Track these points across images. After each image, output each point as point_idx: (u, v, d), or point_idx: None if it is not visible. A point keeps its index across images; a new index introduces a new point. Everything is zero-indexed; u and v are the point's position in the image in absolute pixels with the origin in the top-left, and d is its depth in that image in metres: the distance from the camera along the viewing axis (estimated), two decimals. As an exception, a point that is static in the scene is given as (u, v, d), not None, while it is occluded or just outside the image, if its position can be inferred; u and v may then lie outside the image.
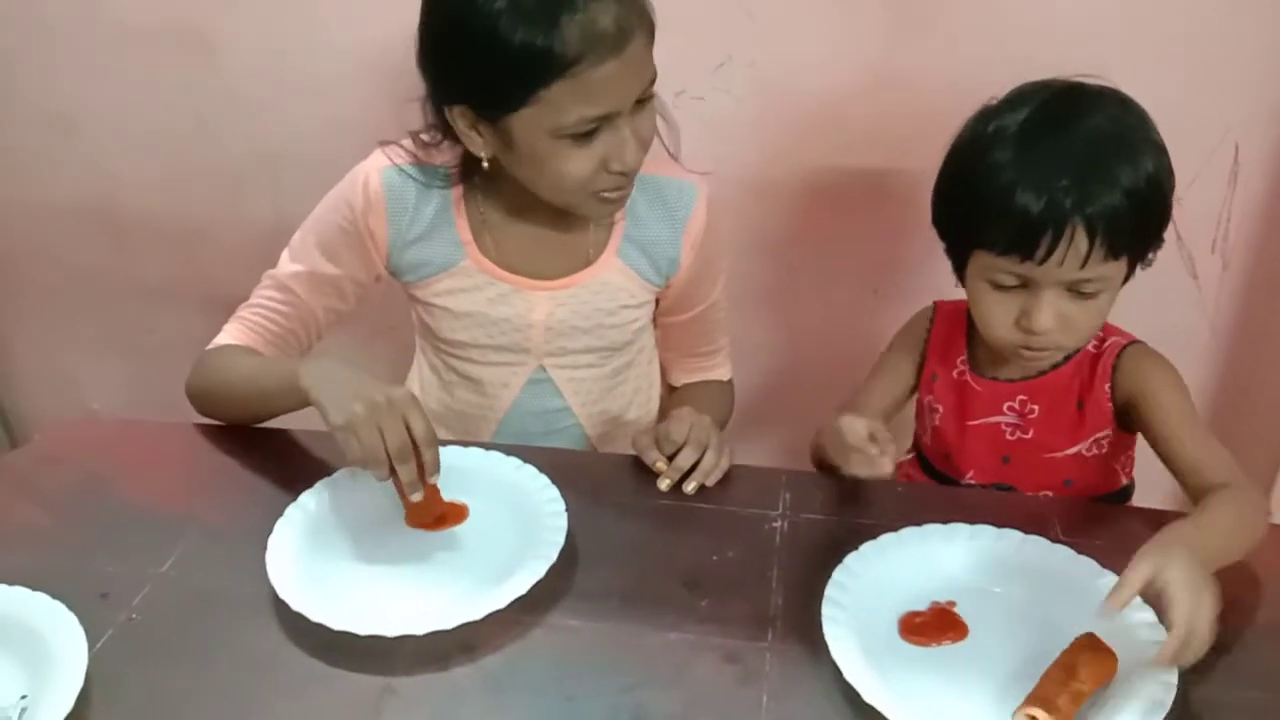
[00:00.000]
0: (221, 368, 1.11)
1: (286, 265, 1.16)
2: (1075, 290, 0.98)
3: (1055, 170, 0.94)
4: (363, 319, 1.27)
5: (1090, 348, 1.08)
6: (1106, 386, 1.07)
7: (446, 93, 1.01)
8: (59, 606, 0.85)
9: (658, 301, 1.22)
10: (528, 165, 1.02)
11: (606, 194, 1.03)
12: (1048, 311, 0.98)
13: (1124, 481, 1.15)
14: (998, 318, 1.02)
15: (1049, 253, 0.94)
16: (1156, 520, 1.06)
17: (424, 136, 1.10)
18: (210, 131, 1.57)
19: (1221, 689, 0.80)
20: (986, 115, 1.01)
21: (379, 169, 1.12)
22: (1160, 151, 0.97)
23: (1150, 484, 1.17)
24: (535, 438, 1.22)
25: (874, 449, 0.96)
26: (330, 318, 1.18)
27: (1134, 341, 1.08)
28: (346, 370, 0.97)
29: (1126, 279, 1.02)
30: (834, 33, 1.36)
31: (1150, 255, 1.02)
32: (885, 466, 0.96)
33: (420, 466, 0.92)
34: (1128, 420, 1.08)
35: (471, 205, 1.13)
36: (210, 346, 1.15)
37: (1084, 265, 0.95)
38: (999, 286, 1.00)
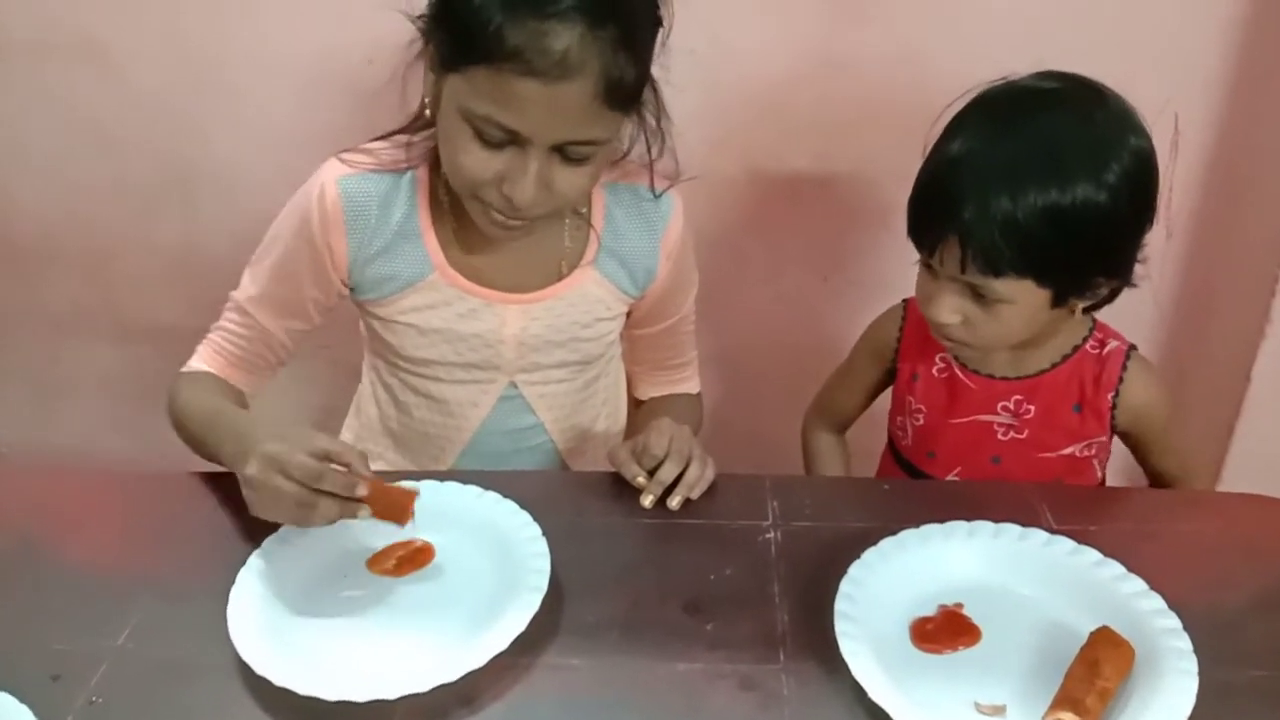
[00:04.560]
0: (185, 402, 1.05)
1: (246, 287, 1.09)
2: (976, 292, 0.98)
3: (970, 173, 0.94)
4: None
5: (1089, 348, 1.08)
6: (1110, 396, 1.07)
7: (429, 20, 0.95)
8: (5, 698, 0.77)
9: (629, 313, 1.17)
10: (441, 136, 0.97)
11: (493, 212, 0.97)
12: (943, 305, 1.00)
13: (1099, 476, 1.15)
14: (921, 299, 1.04)
15: (931, 250, 0.97)
16: (1139, 500, 1.09)
17: (378, 142, 1.05)
18: (112, 148, 1.46)
19: (1234, 670, 0.80)
20: (964, 111, 1.00)
21: (335, 178, 1.04)
22: (1107, 189, 0.93)
23: (1114, 473, 1.19)
24: (505, 456, 1.17)
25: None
26: (296, 337, 1.11)
27: (1133, 348, 1.08)
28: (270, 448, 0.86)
29: (1065, 302, 0.99)
30: (772, 17, 1.33)
31: (1090, 289, 0.99)
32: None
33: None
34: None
35: (439, 213, 1.06)
36: (185, 368, 1.10)
37: (963, 271, 0.96)
38: (927, 268, 1.02)
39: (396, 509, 0.87)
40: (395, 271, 1.07)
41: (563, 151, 0.93)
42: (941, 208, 0.96)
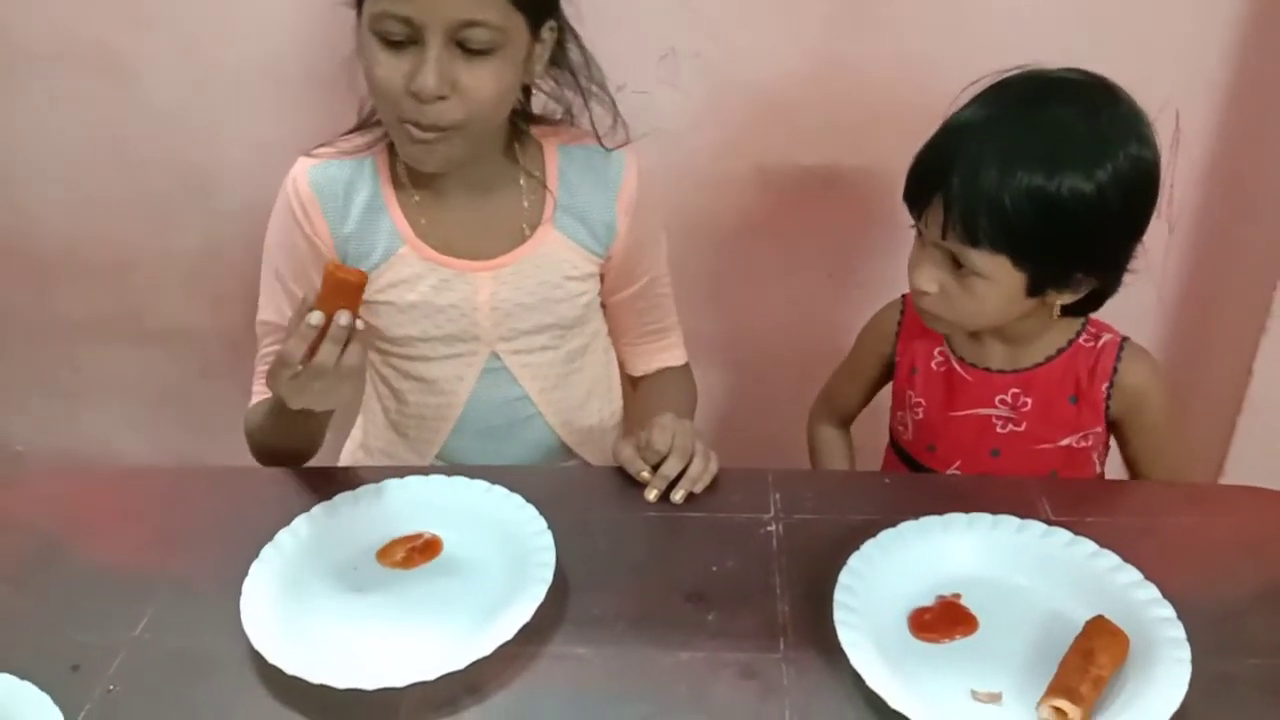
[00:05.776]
0: (248, 424, 1.15)
1: (265, 305, 1.17)
2: (955, 262, 0.99)
3: (967, 143, 0.96)
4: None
5: (1083, 341, 1.09)
6: (1104, 387, 1.08)
7: None
8: (28, 687, 0.79)
9: (602, 279, 1.20)
10: (362, 69, 1.02)
11: (410, 127, 1.01)
12: (923, 272, 1.02)
13: (1098, 469, 1.15)
14: (909, 267, 1.05)
15: (919, 213, 1.00)
16: (1138, 493, 1.09)
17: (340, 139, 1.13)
18: (130, 156, 1.48)
19: (1231, 660, 0.81)
20: (984, 90, 1.01)
21: (304, 171, 1.12)
22: (1095, 185, 0.94)
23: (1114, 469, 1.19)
24: (500, 431, 1.21)
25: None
26: None
27: (1126, 339, 1.09)
28: None
29: (1042, 292, 1.00)
30: (774, 18, 1.34)
31: (1068, 283, 1.00)
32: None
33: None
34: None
35: (401, 190, 1.13)
36: (250, 406, 1.17)
37: (944, 236, 0.98)
38: (919, 235, 1.04)
39: (345, 286, 0.91)
40: (370, 247, 1.12)
41: (461, 44, 0.97)
42: (934, 171, 0.98)
